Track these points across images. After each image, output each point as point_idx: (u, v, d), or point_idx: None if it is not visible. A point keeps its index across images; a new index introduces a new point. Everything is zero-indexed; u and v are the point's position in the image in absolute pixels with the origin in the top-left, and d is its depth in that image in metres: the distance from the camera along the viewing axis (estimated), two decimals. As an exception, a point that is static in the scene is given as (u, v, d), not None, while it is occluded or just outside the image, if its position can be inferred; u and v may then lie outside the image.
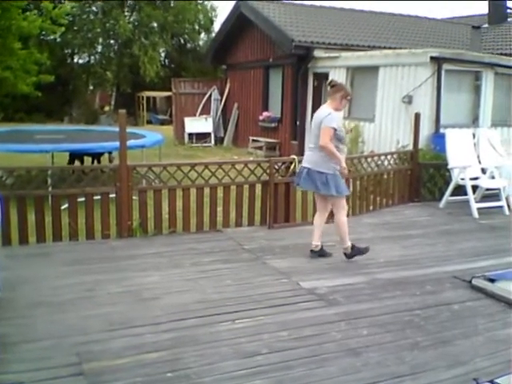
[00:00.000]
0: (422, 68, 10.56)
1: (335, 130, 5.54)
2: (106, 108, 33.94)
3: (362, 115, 12.23)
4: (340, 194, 5.70)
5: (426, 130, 10.13)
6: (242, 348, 3.79)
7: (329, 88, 5.75)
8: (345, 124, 11.99)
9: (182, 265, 5.62)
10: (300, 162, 7.45)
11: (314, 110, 14.52)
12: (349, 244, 5.79)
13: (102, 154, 11.00)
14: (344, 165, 5.66)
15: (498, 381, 3.00)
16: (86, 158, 11.47)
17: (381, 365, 3.61)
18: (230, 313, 4.39)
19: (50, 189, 6.62)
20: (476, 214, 8.02)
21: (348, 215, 7.81)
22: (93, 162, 11.25)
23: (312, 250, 5.95)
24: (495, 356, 3.74)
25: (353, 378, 3.44)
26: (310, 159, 5.76)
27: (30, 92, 18.32)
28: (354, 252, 5.81)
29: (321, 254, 5.94)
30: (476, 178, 8.53)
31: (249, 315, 4.36)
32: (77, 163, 11.09)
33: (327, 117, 5.51)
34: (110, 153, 10.88)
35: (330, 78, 5.82)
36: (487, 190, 8.63)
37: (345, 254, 5.83)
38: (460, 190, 8.47)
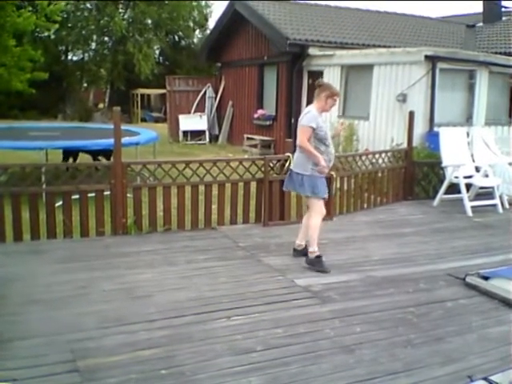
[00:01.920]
0: (417, 66, 10.57)
1: (313, 129, 5.40)
2: (100, 105, 33.88)
3: (357, 113, 12.24)
4: (315, 195, 5.55)
5: (420, 128, 10.15)
6: (236, 345, 3.80)
7: (315, 87, 5.72)
8: (336, 122, 12.02)
9: (176, 262, 5.62)
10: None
11: (308, 108, 14.57)
12: (316, 249, 5.54)
13: (100, 151, 10.91)
14: (323, 163, 5.41)
15: (491, 378, 3.02)
16: (87, 156, 11.36)
17: (374, 362, 3.62)
18: (225, 310, 4.40)
19: (44, 186, 6.60)
20: (470, 212, 8.05)
21: (342, 213, 7.90)
22: (94, 160, 11.09)
23: (295, 249, 5.90)
24: (489, 353, 3.76)
25: (347, 374, 3.45)
26: (293, 160, 5.80)
27: (24, 89, 18.28)
28: (315, 261, 5.52)
29: (304, 253, 5.73)
30: (470, 177, 8.55)
31: (243, 312, 4.37)
32: (70, 161, 11.04)
33: (305, 116, 5.48)
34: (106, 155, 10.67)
35: (319, 79, 5.70)
36: (481, 188, 8.66)
37: (306, 256, 5.62)
38: (454, 188, 8.51)
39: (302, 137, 5.42)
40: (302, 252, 5.78)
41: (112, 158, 6.80)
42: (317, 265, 5.49)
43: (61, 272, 5.22)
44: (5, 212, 6.05)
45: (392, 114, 11.19)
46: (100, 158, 10.97)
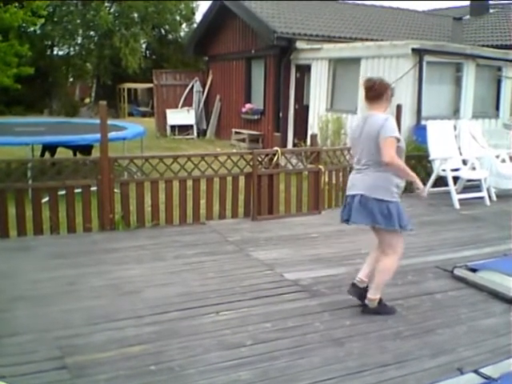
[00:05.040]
0: (404, 60, 10.57)
1: (398, 140, 4.15)
2: (87, 100, 33.66)
3: (345, 107, 12.22)
4: (404, 228, 4.25)
5: (407, 121, 10.16)
6: (226, 340, 3.79)
7: (367, 91, 4.37)
8: (324, 116, 12.00)
9: (164, 258, 5.59)
10: (283, 154, 7.49)
11: (296, 101, 14.56)
12: (378, 296, 4.35)
13: (82, 146, 10.83)
14: (421, 185, 4.32)
15: (481, 370, 3.03)
16: (69, 151, 11.28)
17: (364, 354, 3.63)
18: (214, 305, 4.39)
19: (30, 182, 6.54)
20: (457, 205, 8.08)
21: (331, 207, 7.88)
22: (75, 155, 11.07)
23: (354, 284, 4.48)
24: (478, 345, 3.78)
25: (337, 367, 3.45)
26: (362, 184, 4.22)
27: (10, 84, 18.14)
28: (379, 309, 4.34)
29: (361, 293, 4.44)
30: (457, 170, 8.59)
31: (233, 307, 4.36)
32: (47, 156, 10.97)
33: (386, 124, 4.09)
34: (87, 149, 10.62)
35: (365, 78, 4.52)
36: (468, 181, 8.70)
37: (365, 305, 4.37)
38: (441, 181, 8.54)
39: (390, 151, 4.02)
40: (362, 290, 4.44)
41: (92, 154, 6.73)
42: (382, 310, 4.36)
43: (48, 268, 5.18)
44: (-9, 208, 6.00)
45: (380, 108, 11.17)
46: (79, 153, 10.87)
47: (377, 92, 4.31)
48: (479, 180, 8.47)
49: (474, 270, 5.05)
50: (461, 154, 8.96)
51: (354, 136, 4.45)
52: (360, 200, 4.19)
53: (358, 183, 4.28)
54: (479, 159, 8.67)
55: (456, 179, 8.52)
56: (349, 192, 4.36)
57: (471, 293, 4.81)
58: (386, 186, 4.17)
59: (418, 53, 10.43)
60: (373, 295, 4.30)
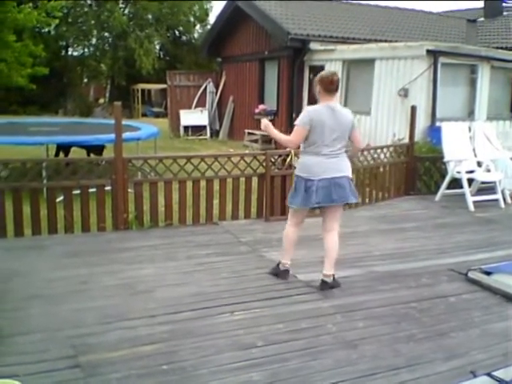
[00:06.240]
0: (418, 61, 10.54)
1: None
2: (101, 100, 33.90)
3: (358, 108, 12.15)
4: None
5: (421, 123, 10.12)
6: (238, 340, 3.79)
7: (332, 84, 4.67)
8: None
9: (177, 257, 5.61)
10: (296, 155, 7.47)
11: (309, 103, 14.54)
12: (334, 272, 4.86)
13: (95, 146, 10.89)
14: None
15: (494, 374, 3.00)
16: (83, 151, 11.36)
17: (377, 357, 3.60)
18: (226, 305, 4.38)
19: (45, 181, 6.59)
20: (472, 207, 8.03)
21: (344, 208, 7.83)
22: (88, 155, 11.15)
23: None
24: (491, 349, 3.74)
25: (349, 370, 3.43)
26: (343, 167, 4.76)
27: (25, 84, 18.31)
28: (334, 284, 4.87)
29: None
30: (472, 172, 8.53)
31: (245, 308, 4.36)
32: (61, 155, 11.04)
33: (352, 116, 4.83)
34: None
35: (330, 72, 4.83)
36: (483, 183, 8.63)
37: (324, 282, 4.84)
38: (456, 183, 8.48)
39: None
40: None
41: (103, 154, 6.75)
42: (336, 284, 4.89)
43: (62, 267, 5.21)
44: (6, 207, 6.04)
45: (394, 109, 11.16)
46: (92, 153, 10.90)
47: (337, 86, 4.78)
48: (494, 182, 8.41)
49: (488, 273, 5.01)
50: (475, 155, 8.90)
51: (322, 123, 4.65)
52: (349, 182, 4.76)
53: (339, 167, 4.72)
54: (494, 161, 8.61)
55: (470, 181, 8.47)
56: (333, 174, 4.67)
57: (485, 296, 4.77)
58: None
59: (433, 54, 10.39)
60: (330, 271, 4.80)
